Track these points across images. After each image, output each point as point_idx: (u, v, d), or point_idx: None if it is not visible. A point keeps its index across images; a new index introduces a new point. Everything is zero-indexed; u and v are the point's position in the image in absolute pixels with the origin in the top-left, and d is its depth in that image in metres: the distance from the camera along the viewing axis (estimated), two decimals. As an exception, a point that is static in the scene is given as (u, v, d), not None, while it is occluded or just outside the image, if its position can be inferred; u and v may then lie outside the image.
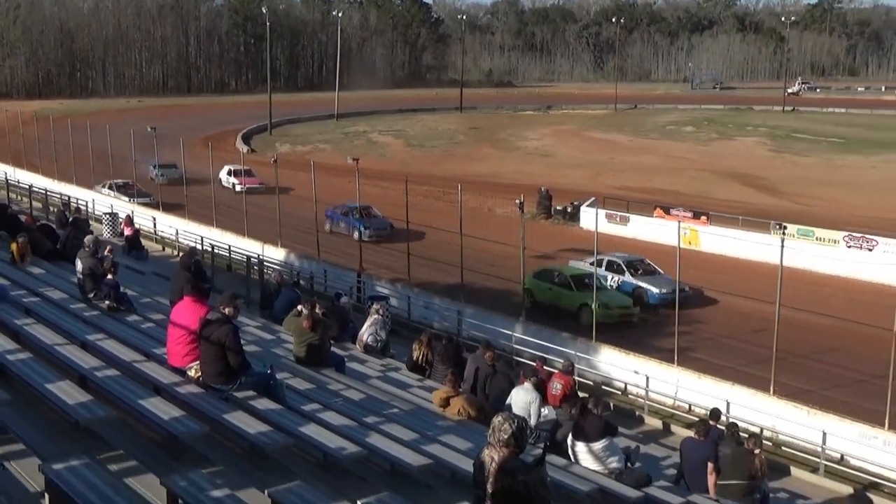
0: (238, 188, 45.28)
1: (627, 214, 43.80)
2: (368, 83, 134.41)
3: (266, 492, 6.76)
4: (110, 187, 42.29)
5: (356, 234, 36.76)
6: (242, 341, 10.02)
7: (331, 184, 37.05)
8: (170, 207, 37.69)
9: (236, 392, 9.37)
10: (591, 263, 28.50)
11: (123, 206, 36.52)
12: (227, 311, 9.61)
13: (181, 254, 25.97)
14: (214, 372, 9.40)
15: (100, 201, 37.22)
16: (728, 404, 18.54)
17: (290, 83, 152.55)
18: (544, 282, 29.13)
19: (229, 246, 30.84)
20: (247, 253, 28.90)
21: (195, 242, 29.76)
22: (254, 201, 36.49)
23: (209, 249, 29.16)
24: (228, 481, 6.86)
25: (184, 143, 39.14)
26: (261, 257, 28.55)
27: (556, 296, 28.66)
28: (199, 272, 16.27)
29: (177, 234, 33.32)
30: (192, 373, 9.60)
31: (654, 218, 43.26)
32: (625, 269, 31.30)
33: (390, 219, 38.71)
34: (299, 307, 14.91)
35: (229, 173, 50.63)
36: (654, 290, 29.83)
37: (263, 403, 9.22)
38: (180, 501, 6.27)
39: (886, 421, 18.19)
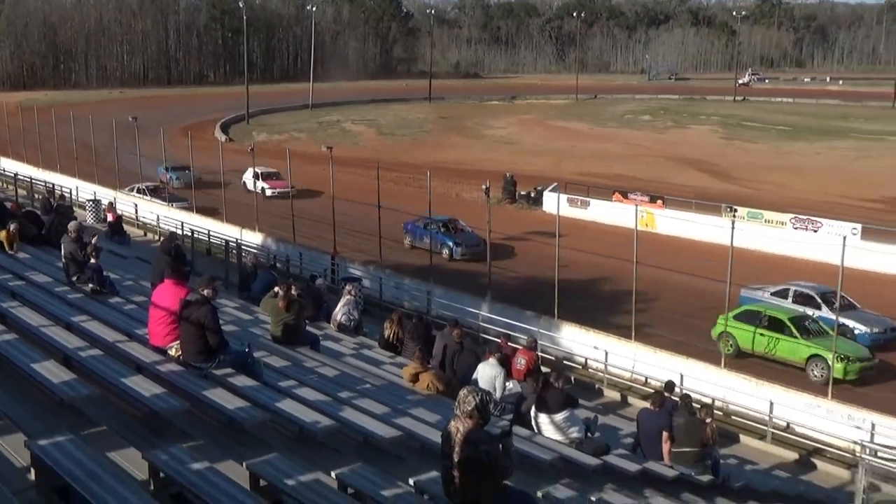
0: (269, 192, 42.14)
1: (588, 199, 44.04)
2: (342, 75, 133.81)
3: (244, 464, 6.75)
4: (139, 191, 39.03)
5: (445, 252, 33.07)
6: (221, 321, 9.97)
7: (305, 171, 36.75)
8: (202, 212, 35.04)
9: (215, 370, 9.33)
10: (773, 294, 25.48)
11: (165, 213, 34.32)
12: (206, 292, 9.56)
13: (162, 238, 25.77)
14: (194, 351, 9.35)
15: (143, 208, 35.13)
16: (682, 377, 18.74)
17: (267, 75, 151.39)
18: (751, 325, 23.11)
19: (209, 231, 30.66)
20: (225, 237, 28.75)
21: (176, 228, 29.57)
22: (286, 205, 32.80)
23: (189, 234, 28.97)
24: (208, 455, 6.83)
25: (164, 132, 38.65)
26: (239, 241, 28.38)
27: (770, 344, 22.78)
28: (179, 256, 16.15)
29: (158, 219, 33.08)
30: (172, 352, 9.54)
31: (613, 202, 43.54)
32: (820, 302, 24.60)
33: (478, 231, 32.86)
34: (276, 289, 14.86)
35: (255, 176, 43.99)
36: (864, 329, 23.88)
37: (241, 380, 9.18)
38: (162, 474, 6.25)
39: (829, 391, 18.50)
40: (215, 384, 8.82)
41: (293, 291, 14.50)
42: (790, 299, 25.11)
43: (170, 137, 41.14)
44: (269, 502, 6.06)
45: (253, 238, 30.82)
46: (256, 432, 8.03)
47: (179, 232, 28.33)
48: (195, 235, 29.28)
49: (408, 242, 34.35)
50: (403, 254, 31.62)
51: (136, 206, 35.06)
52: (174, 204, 36.81)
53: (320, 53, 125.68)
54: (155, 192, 38.93)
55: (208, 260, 28.02)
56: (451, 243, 33.35)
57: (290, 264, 28.54)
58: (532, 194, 45.98)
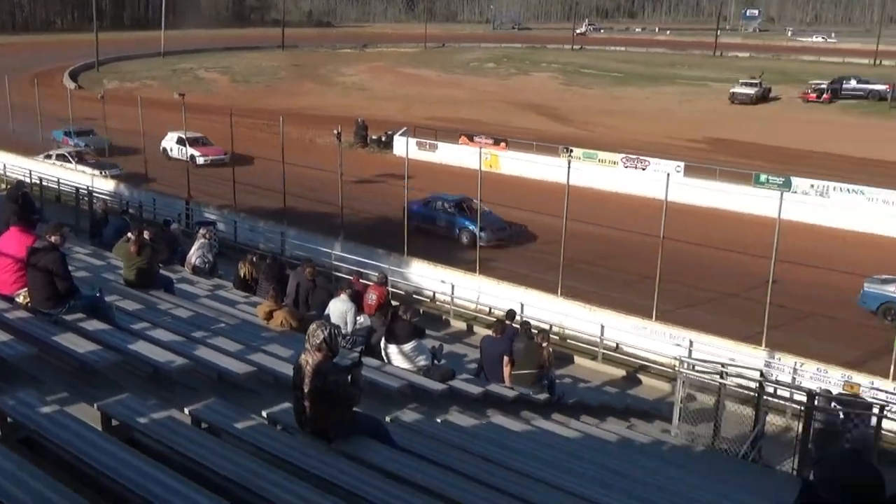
0: (201, 160, 35.87)
1: (436, 142, 44.23)
2: (194, 23, 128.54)
3: (96, 405, 6.56)
4: (60, 157, 33.51)
5: (465, 238, 27.34)
6: (72, 268, 9.60)
7: (158, 117, 35.33)
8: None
9: (66, 315, 8.98)
10: None
11: (100, 186, 29.63)
12: (53, 239, 9.15)
13: (8, 187, 24.36)
14: (43, 297, 8.96)
15: (71, 180, 29.48)
16: (522, 306, 19.34)
17: (117, 22, 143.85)
18: None
19: (58, 179, 29.16)
20: (76, 185, 27.44)
21: (23, 176, 28.02)
22: (224, 174, 29.74)
23: (38, 182, 27.51)
24: (59, 399, 6.62)
25: (10, 80, 36.30)
26: (90, 188, 27.15)
27: None
28: (26, 204, 15.35)
29: (4, 168, 31.23)
30: (20, 299, 9.11)
31: (459, 145, 43.86)
32: None
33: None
34: (128, 234, 14.34)
35: (181, 142, 37.55)
36: None
37: (93, 325, 8.86)
38: (9, 419, 6.01)
39: (654, 313, 19.43)
40: (65, 329, 8.49)
41: (145, 236, 14.05)
42: None
43: (16, 85, 38.72)
44: (122, 440, 5.92)
45: (104, 185, 29.56)
46: (109, 374, 7.81)
47: (28, 180, 26.91)
48: (44, 183, 27.83)
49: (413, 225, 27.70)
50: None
51: (58, 180, 29.96)
52: (107, 172, 32.52)
53: (172, 1, 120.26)
54: (81, 159, 33.97)
55: (58, 207, 26.73)
56: (473, 228, 26.73)
57: (143, 210, 27.57)
58: (383, 138, 45.89)
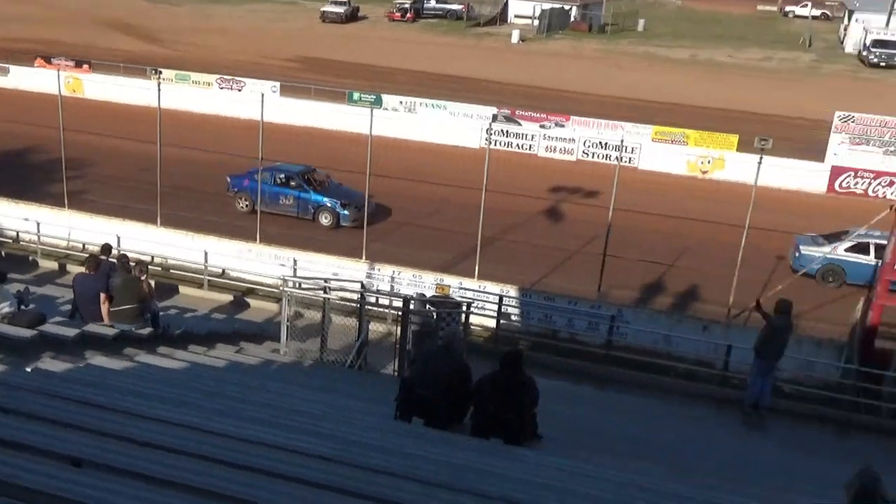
0: None
1: (7, 65, 40.36)
2: None
3: None
4: None
5: (326, 219, 23.39)
6: None
7: None
8: None
9: None
10: (850, 249, 20.25)
11: None
12: None
13: None
14: None
15: None
16: (119, 238, 18.61)
17: None
18: None
19: None
20: None
21: None
22: None
23: None
24: None
25: None
26: None
27: None
28: None
29: None
30: None
31: (36, 68, 40.54)
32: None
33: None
34: None
35: None
36: None
37: None
38: None
39: (258, 236, 19.65)
40: None
41: None
42: (873, 254, 18.98)
43: None
44: None
45: None
46: None
47: None
48: None
49: (245, 206, 23.84)
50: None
51: None
52: None
53: None
54: None
55: None
56: (332, 205, 23.55)
57: None
58: (-61, 62, 40.77)
